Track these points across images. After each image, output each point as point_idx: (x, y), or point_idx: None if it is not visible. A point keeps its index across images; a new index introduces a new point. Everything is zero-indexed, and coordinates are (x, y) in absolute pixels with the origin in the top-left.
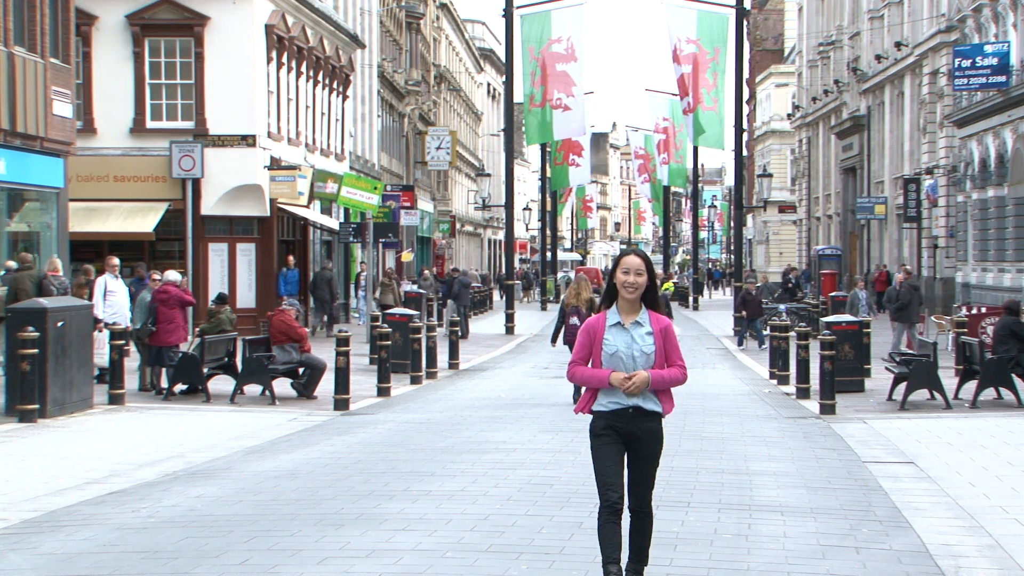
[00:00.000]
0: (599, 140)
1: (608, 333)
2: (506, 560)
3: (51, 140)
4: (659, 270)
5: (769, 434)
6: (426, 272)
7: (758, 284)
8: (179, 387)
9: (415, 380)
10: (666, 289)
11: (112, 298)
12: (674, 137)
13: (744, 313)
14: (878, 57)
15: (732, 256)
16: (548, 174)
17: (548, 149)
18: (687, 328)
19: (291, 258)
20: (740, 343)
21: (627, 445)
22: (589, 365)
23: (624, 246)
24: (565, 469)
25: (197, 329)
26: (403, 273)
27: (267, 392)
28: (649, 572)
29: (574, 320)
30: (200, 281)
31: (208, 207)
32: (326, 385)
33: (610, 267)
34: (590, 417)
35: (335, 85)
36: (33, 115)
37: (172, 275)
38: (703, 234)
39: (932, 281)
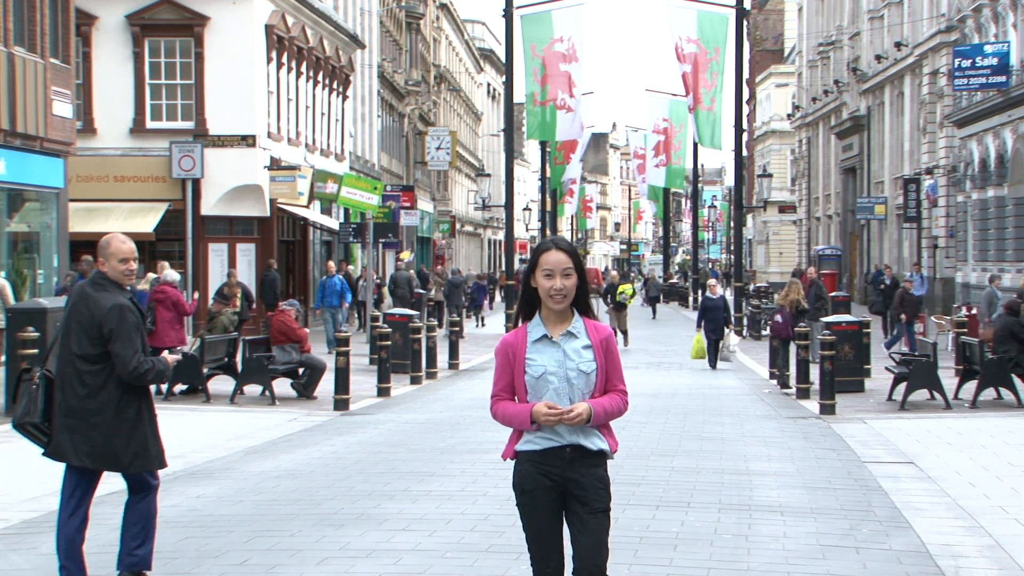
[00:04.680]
0: (599, 140)
1: (531, 351)
2: (506, 560)
3: (51, 140)
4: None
5: (769, 434)
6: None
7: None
8: (179, 387)
9: (415, 380)
10: (623, 292)
11: None
12: (673, 137)
13: (904, 316)
14: (878, 57)
15: (732, 256)
16: (548, 174)
17: (548, 149)
18: (689, 328)
19: (331, 264)
20: (891, 345)
21: (565, 498)
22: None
23: (624, 246)
24: None
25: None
26: None
27: (267, 392)
28: (649, 572)
29: (777, 318)
30: (200, 281)
31: (208, 207)
32: (326, 385)
33: (529, 264)
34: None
35: (335, 85)
36: (33, 115)
37: (171, 274)
38: (703, 234)
39: (932, 281)
